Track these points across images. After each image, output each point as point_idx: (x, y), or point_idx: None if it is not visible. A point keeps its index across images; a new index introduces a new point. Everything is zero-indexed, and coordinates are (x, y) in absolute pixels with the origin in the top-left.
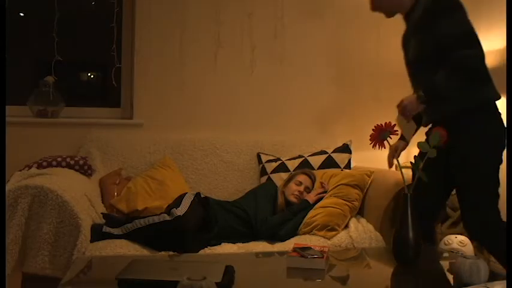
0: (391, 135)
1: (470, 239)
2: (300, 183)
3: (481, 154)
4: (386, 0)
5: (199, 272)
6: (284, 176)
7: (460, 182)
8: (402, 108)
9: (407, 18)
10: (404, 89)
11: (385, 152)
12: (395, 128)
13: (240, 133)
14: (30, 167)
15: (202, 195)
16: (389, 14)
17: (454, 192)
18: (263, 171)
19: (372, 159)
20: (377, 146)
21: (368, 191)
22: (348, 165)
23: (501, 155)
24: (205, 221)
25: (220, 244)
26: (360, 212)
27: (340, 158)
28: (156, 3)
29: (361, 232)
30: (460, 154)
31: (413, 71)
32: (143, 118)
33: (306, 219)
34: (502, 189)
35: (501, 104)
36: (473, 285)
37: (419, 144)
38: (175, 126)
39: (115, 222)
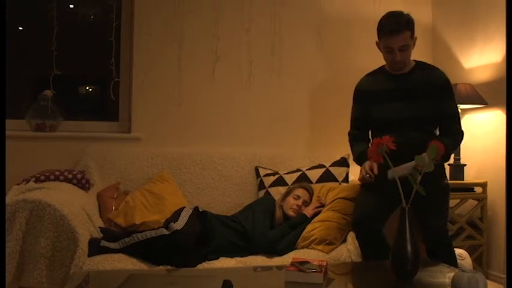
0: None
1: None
2: (298, 197)
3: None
4: (409, 55)
5: (197, 286)
6: (282, 190)
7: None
8: None
9: (395, 76)
10: None
11: None
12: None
13: (238, 147)
14: (28, 181)
15: (200, 210)
16: (400, 63)
17: (452, 205)
18: (261, 185)
19: None
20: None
21: None
22: (345, 179)
23: None
24: (203, 235)
25: (218, 258)
26: None
27: (338, 172)
28: (155, 17)
29: (359, 246)
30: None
31: (403, 122)
32: (141, 132)
33: (304, 233)
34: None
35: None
36: None
37: (416, 158)
38: (173, 140)
39: (113, 236)
